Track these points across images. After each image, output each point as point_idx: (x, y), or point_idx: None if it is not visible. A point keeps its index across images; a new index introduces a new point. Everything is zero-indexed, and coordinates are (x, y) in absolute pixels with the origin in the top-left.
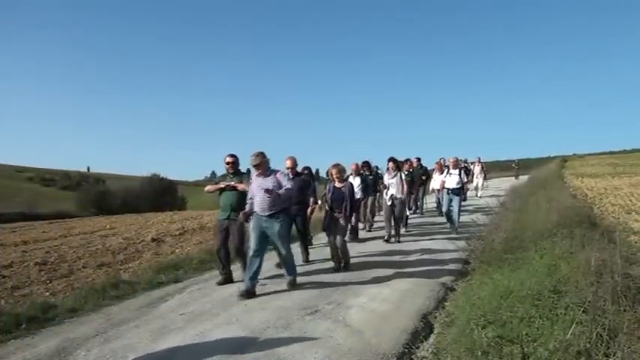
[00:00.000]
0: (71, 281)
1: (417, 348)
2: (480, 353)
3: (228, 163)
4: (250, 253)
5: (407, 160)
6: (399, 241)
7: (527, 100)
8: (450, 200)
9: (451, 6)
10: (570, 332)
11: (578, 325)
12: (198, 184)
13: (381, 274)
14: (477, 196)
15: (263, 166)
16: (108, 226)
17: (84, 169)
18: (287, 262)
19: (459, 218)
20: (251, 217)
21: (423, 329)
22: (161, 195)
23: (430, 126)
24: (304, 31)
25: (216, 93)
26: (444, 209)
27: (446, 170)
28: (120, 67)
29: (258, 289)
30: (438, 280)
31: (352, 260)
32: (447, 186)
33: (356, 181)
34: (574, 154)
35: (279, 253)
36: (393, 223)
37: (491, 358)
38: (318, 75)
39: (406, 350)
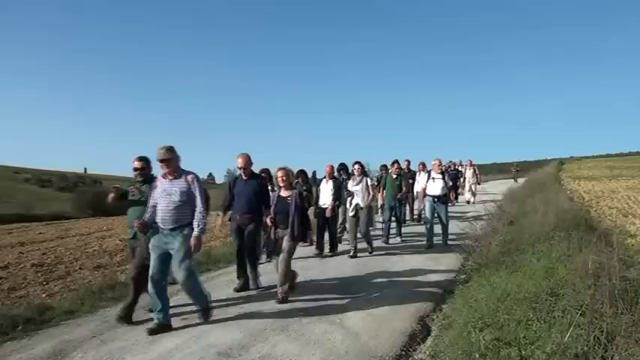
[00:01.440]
0: (68, 283)
1: (415, 350)
2: (477, 356)
3: (136, 169)
4: (149, 280)
5: (394, 163)
6: (369, 253)
7: (524, 102)
8: (434, 209)
9: (448, 7)
10: (568, 335)
11: (576, 328)
12: None
13: (367, 285)
14: (469, 202)
15: (171, 163)
16: (105, 228)
17: (81, 171)
18: (191, 291)
19: (447, 229)
20: (151, 228)
21: (421, 332)
22: None
23: (426, 128)
24: (302, 32)
25: (214, 93)
26: (426, 218)
27: (427, 175)
28: (117, 68)
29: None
30: (428, 292)
31: (330, 275)
32: (430, 193)
33: (328, 186)
34: (571, 157)
35: (180, 280)
36: (359, 236)
37: None
38: (317, 76)
39: (403, 353)
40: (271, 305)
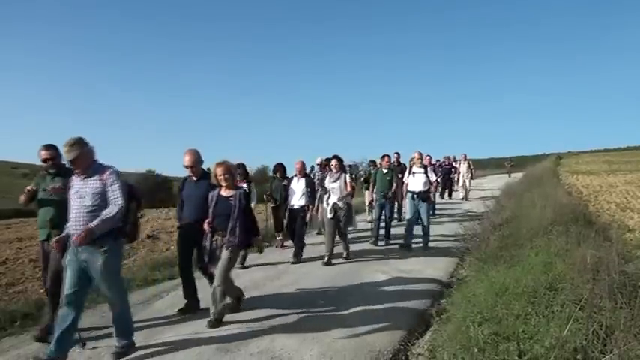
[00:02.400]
0: None
1: (413, 345)
2: (476, 350)
3: (45, 160)
4: (62, 300)
5: (385, 157)
6: (347, 258)
7: (521, 97)
8: (416, 209)
9: (442, 1)
10: (567, 329)
11: (575, 322)
12: None
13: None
14: (463, 199)
15: (82, 161)
16: None
17: None
18: (119, 318)
19: (428, 230)
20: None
21: (419, 326)
22: (156, 191)
23: (422, 122)
24: (300, 28)
25: (213, 89)
26: (407, 217)
27: (408, 169)
28: (116, 63)
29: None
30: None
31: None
32: (410, 189)
33: (299, 185)
34: (569, 152)
35: (109, 302)
36: (340, 239)
37: (487, 355)
38: (315, 72)
39: (402, 347)
40: (267, 300)
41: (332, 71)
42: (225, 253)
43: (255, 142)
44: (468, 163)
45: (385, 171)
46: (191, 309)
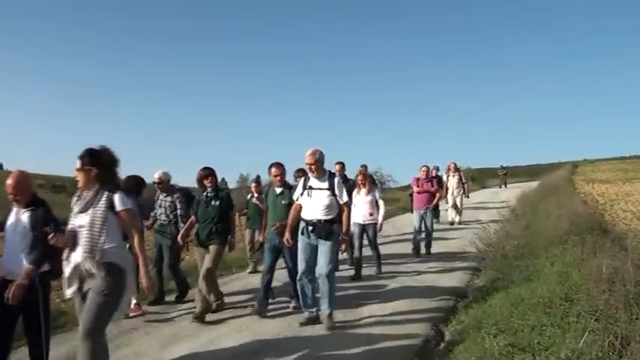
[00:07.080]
0: None
1: (428, 356)
2: None
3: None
4: None
5: (273, 166)
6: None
7: (535, 104)
8: (307, 248)
9: (445, 3)
10: (582, 341)
11: (590, 333)
12: None
13: None
14: (454, 222)
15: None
16: None
17: None
18: None
19: (331, 290)
20: None
21: (434, 337)
22: None
23: (430, 130)
24: (306, 29)
25: (222, 93)
26: (299, 268)
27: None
28: (124, 68)
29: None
30: None
31: None
32: (304, 216)
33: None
34: (585, 160)
35: None
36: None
37: None
38: (319, 74)
39: (417, 358)
40: (283, 311)
41: (329, 73)
42: None
43: (266, 145)
44: (459, 175)
45: (278, 191)
46: None
